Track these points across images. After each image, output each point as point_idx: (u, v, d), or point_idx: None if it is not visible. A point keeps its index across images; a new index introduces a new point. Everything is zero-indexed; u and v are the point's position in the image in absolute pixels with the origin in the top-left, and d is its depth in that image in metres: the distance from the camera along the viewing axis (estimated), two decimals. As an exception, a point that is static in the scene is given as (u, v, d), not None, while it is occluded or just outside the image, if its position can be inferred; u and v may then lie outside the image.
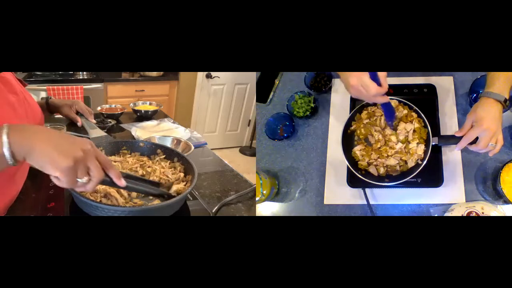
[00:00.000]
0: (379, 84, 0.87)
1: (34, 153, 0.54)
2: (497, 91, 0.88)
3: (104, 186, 0.78)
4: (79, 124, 1.02)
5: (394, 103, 1.02)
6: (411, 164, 0.97)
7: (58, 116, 1.34)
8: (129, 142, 0.98)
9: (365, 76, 0.86)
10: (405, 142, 0.98)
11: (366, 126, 1.02)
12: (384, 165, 0.98)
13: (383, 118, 1.01)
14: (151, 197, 0.83)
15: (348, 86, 0.90)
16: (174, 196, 0.77)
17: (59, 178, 0.56)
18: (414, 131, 0.98)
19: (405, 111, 1.01)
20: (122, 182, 0.64)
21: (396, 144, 0.98)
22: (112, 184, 0.64)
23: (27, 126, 0.59)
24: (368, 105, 1.04)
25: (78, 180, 0.58)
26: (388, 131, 1.00)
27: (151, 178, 0.86)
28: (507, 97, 0.88)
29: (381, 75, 0.87)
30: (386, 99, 0.92)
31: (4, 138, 0.52)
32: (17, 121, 0.76)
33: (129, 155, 0.96)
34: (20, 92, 0.82)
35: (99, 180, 0.60)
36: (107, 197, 0.78)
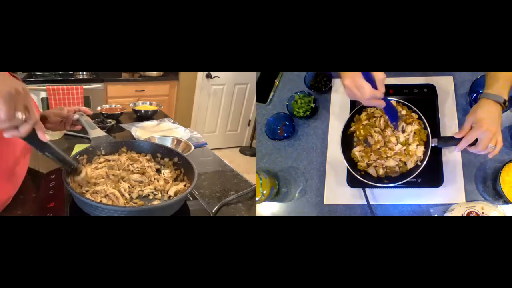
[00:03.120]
0: (374, 87, 0.85)
1: None
2: (497, 92, 0.87)
3: (104, 187, 0.79)
4: (75, 117, 1.01)
5: (392, 103, 1.02)
6: (410, 165, 0.97)
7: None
8: (129, 142, 0.98)
9: (358, 77, 0.83)
10: (405, 144, 0.97)
11: (365, 127, 1.02)
12: (383, 166, 0.98)
13: (382, 119, 1.01)
14: (150, 197, 0.83)
15: (344, 87, 0.88)
16: (76, 168, 0.78)
17: None
18: (414, 133, 0.98)
19: (404, 112, 1.00)
20: (45, 137, 0.64)
21: (395, 145, 0.98)
22: (35, 138, 0.63)
23: None
24: (367, 106, 1.03)
25: (17, 114, 0.55)
26: (388, 132, 1.00)
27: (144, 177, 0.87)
28: (507, 98, 0.88)
29: (378, 78, 0.85)
30: (382, 103, 0.89)
31: None
32: None
33: (125, 153, 0.96)
34: None
35: (35, 121, 0.59)
36: (107, 198, 0.78)
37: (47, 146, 0.68)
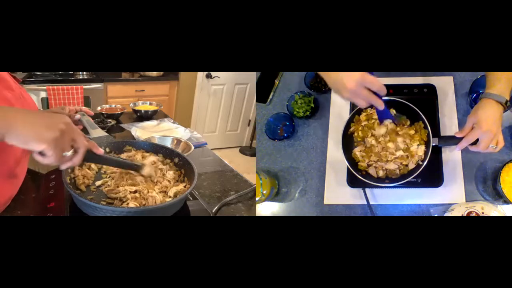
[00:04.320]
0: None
1: (15, 130, 0.53)
2: (498, 92, 0.87)
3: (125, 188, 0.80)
4: (77, 117, 1.01)
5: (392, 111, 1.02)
6: (411, 166, 0.97)
7: None
8: (130, 142, 0.98)
9: (367, 75, 0.82)
10: (406, 151, 0.97)
11: (363, 128, 1.02)
12: (384, 168, 0.98)
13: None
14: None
15: (342, 90, 0.84)
16: (141, 166, 0.82)
17: (45, 153, 0.55)
18: (415, 132, 0.98)
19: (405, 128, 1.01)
20: (100, 150, 0.67)
21: (396, 151, 0.97)
22: (92, 156, 0.66)
23: (2, 106, 0.57)
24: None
25: (65, 154, 0.57)
26: (385, 137, 0.99)
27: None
28: (508, 98, 0.88)
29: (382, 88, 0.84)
30: (381, 103, 0.88)
31: None
32: None
33: (134, 151, 0.97)
34: (16, 88, 0.82)
35: (85, 149, 0.60)
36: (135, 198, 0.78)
37: (103, 158, 0.71)
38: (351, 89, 0.83)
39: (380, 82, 0.84)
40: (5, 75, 0.81)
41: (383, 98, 1.02)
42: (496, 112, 0.87)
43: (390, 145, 0.98)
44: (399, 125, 1.00)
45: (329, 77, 0.87)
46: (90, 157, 0.66)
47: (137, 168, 0.83)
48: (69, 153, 0.58)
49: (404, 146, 0.97)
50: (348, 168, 1.01)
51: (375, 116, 1.02)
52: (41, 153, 0.55)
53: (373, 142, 0.99)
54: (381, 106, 0.89)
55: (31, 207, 0.86)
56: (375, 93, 0.86)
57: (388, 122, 0.99)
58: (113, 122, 1.62)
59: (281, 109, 1.20)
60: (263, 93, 1.24)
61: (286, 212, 1.07)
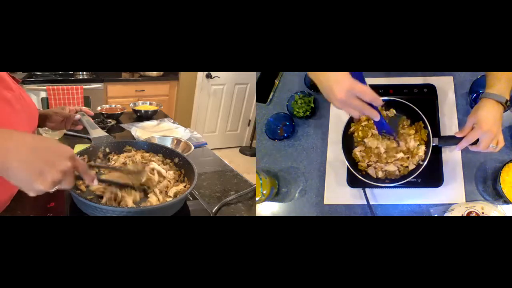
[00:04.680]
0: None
1: (9, 174, 0.52)
2: (498, 92, 0.87)
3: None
4: (77, 116, 1.01)
5: (391, 112, 1.02)
6: (411, 167, 0.97)
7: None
8: (130, 142, 0.98)
9: (357, 84, 0.77)
10: (407, 153, 0.97)
11: (364, 128, 1.02)
12: (383, 169, 0.98)
13: None
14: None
15: (333, 99, 0.81)
16: (143, 188, 0.79)
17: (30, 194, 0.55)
18: (415, 131, 0.98)
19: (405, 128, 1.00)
20: (95, 183, 0.66)
21: (397, 153, 0.98)
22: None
23: (5, 133, 0.54)
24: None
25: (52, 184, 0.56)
26: (386, 140, 0.99)
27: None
28: (508, 98, 0.88)
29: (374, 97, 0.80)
30: (377, 115, 0.84)
31: None
32: (14, 116, 0.76)
33: (134, 151, 0.96)
34: (16, 89, 0.82)
35: (70, 184, 0.59)
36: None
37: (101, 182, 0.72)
38: (341, 98, 0.79)
39: (373, 92, 0.79)
40: (4, 75, 0.81)
41: (383, 98, 1.02)
42: (496, 112, 0.87)
43: (392, 145, 0.98)
44: (400, 127, 1.00)
45: (320, 83, 0.82)
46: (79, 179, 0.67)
47: (128, 186, 0.79)
48: (53, 190, 0.57)
49: (405, 148, 0.97)
50: (348, 168, 1.01)
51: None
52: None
53: (371, 143, 0.99)
54: (376, 117, 0.85)
55: (31, 207, 0.86)
56: (370, 104, 0.81)
57: (386, 139, 0.99)
58: (113, 122, 1.62)
59: (281, 109, 1.20)
60: (263, 93, 1.24)
61: (286, 212, 1.07)
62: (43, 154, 0.54)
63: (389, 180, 0.97)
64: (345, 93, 0.78)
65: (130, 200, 0.78)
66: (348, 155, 1.00)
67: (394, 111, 1.02)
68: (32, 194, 0.55)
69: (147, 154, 0.96)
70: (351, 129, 1.04)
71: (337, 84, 0.78)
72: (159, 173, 0.87)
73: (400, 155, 0.97)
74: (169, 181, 0.87)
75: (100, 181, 0.73)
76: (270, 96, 1.24)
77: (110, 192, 0.78)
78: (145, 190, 0.81)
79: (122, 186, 0.79)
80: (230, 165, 1.27)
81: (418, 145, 0.97)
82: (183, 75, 3.13)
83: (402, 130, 1.00)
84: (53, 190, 0.57)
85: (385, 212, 1.01)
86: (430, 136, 0.95)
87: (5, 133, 0.54)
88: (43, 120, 1.01)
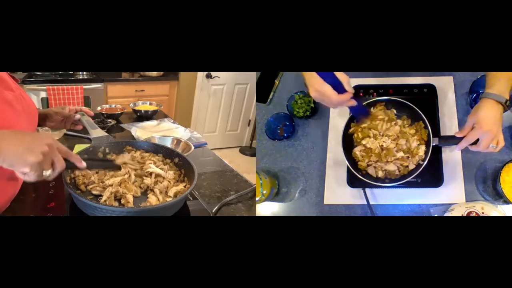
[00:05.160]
0: (342, 89, 0.86)
1: (2, 154, 0.58)
2: (498, 92, 0.87)
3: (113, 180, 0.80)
4: (77, 116, 1.02)
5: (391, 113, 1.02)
6: (411, 166, 0.97)
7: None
8: (130, 142, 0.98)
9: (323, 86, 0.85)
10: (407, 152, 0.97)
11: (363, 130, 1.02)
12: (383, 169, 0.98)
13: (383, 123, 1.01)
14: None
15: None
16: (119, 167, 0.83)
17: (27, 173, 0.60)
18: (415, 131, 0.98)
19: (399, 124, 1.00)
20: (83, 164, 0.70)
21: (397, 152, 0.97)
22: (75, 167, 0.70)
23: None
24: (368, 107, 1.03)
25: (44, 173, 0.62)
26: (384, 138, 0.99)
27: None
28: (508, 98, 0.88)
29: (343, 80, 0.85)
30: (353, 103, 0.91)
31: None
32: (15, 117, 0.76)
33: (134, 152, 0.96)
34: (16, 89, 0.82)
35: (61, 170, 0.65)
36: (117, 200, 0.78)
37: (88, 167, 0.73)
38: (315, 97, 0.88)
39: (335, 96, 0.85)
40: (5, 75, 0.81)
41: (384, 98, 1.03)
42: (496, 112, 0.87)
43: (392, 145, 0.98)
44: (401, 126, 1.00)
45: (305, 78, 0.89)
46: (72, 167, 0.70)
47: (115, 167, 0.83)
48: (49, 172, 0.62)
49: (406, 147, 0.97)
50: (348, 168, 1.01)
51: (380, 117, 1.02)
52: (23, 172, 0.60)
53: (371, 144, 0.99)
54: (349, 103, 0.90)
55: (31, 207, 0.86)
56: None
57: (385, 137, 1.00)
58: (113, 122, 1.62)
59: (281, 109, 1.20)
60: (263, 93, 1.24)
61: (286, 212, 1.07)
62: (27, 136, 0.62)
63: (389, 179, 0.97)
64: (315, 93, 0.87)
65: (130, 196, 0.78)
66: (348, 155, 1.00)
67: (395, 111, 1.02)
68: (28, 170, 0.59)
69: (147, 154, 0.96)
70: (351, 130, 1.04)
71: (309, 86, 0.88)
72: (158, 175, 0.87)
73: (400, 154, 0.97)
74: (169, 181, 0.87)
75: (89, 165, 0.74)
76: (270, 96, 1.24)
77: (109, 192, 0.78)
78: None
79: (109, 167, 0.82)
80: (230, 165, 1.27)
81: (418, 145, 0.97)
82: (183, 75, 3.13)
83: (403, 128, 1.00)
84: (49, 173, 0.62)
85: (385, 212, 1.01)
86: (430, 136, 0.95)
87: None
88: (43, 120, 1.01)
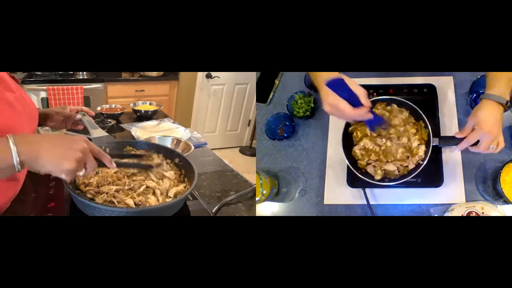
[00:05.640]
0: (357, 101, 0.85)
1: (40, 161, 0.61)
2: (499, 93, 0.87)
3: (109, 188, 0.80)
4: (78, 116, 1.02)
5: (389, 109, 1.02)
6: (411, 166, 0.97)
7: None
8: (130, 142, 0.98)
9: (337, 100, 0.83)
10: (407, 151, 0.97)
11: (361, 128, 1.02)
12: (382, 168, 0.98)
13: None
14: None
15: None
16: (151, 166, 0.84)
17: (63, 177, 0.63)
18: (416, 131, 0.98)
19: (403, 116, 1.00)
20: (114, 165, 0.72)
21: (396, 153, 0.97)
22: (106, 166, 0.72)
23: (29, 135, 0.67)
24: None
25: (77, 174, 0.65)
26: (383, 139, 0.99)
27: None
28: (508, 99, 0.87)
29: (360, 94, 0.84)
30: (369, 116, 0.89)
31: (13, 149, 0.58)
32: (16, 118, 0.76)
33: (134, 151, 0.96)
34: (16, 90, 0.82)
35: (94, 170, 0.68)
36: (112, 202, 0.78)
37: (119, 166, 0.76)
38: (328, 112, 0.87)
39: (350, 111, 0.84)
40: (5, 76, 0.81)
41: (384, 98, 1.02)
42: (496, 113, 0.87)
43: (389, 143, 0.98)
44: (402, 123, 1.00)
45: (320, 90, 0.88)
46: (103, 165, 0.72)
47: (147, 168, 0.84)
48: (82, 172, 0.66)
49: (407, 146, 0.97)
50: (348, 168, 1.01)
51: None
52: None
53: (370, 145, 0.99)
54: (365, 117, 0.89)
55: (31, 207, 0.86)
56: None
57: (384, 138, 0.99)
58: (113, 122, 1.62)
59: (281, 109, 1.20)
60: (263, 93, 1.24)
61: (286, 212, 1.07)
62: (63, 142, 0.65)
63: (388, 179, 0.97)
64: (329, 108, 0.87)
65: (130, 200, 0.78)
66: (348, 154, 1.00)
67: (396, 105, 1.02)
68: (63, 176, 0.63)
69: (157, 156, 0.96)
70: (351, 128, 1.04)
71: (323, 101, 0.87)
72: (163, 176, 0.88)
73: (400, 154, 0.97)
74: (171, 181, 0.87)
75: (119, 165, 0.76)
76: (270, 96, 1.24)
77: (102, 199, 0.77)
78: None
79: (141, 168, 0.84)
80: (230, 165, 1.27)
81: (418, 144, 0.97)
82: (183, 75, 3.13)
83: (408, 125, 1.00)
84: (82, 173, 0.66)
85: (385, 212, 1.01)
86: (430, 136, 0.95)
87: (29, 136, 0.69)
88: (44, 120, 1.01)
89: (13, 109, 0.76)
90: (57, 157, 0.62)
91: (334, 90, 0.84)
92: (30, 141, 0.62)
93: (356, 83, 0.86)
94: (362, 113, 0.87)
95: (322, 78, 0.86)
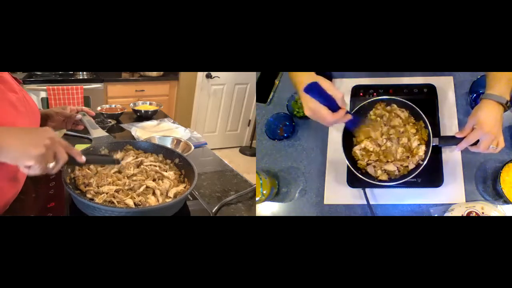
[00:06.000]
0: (336, 105, 0.84)
1: (6, 151, 0.59)
2: (499, 93, 0.87)
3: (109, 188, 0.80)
4: (78, 116, 1.02)
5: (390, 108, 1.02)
6: (411, 166, 0.97)
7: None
8: (130, 142, 0.98)
9: (317, 106, 0.83)
10: (407, 151, 0.97)
11: (364, 131, 1.02)
12: (382, 168, 0.98)
13: (382, 124, 1.01)
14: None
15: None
16: (118, 161, 0.84)
17: (32, 166, 0.61)
18: (416, 131, 0.98)
19: (403, 116, 1.00)
20: (83, 159, 0.71)
21: (396, 153, 0.97)
22: (75, 162, 0.70)
23: None
24: (368, 107, 1.03)
25: (48, 166, 0.63)
26: (387, 142, 0.99)
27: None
28: (508, 99, 0.87)
29: (337, 97, 0.84)
30: (348, 117, 0.90)
31: None
32: (19, 119, 0.76)
33: (133, 151, 0.96)
34: (19, 91, 0.82)
35: (64, 161, 0.66)
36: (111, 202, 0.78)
37: (87, 161, 0.74)
38: (309, 115, 0.86)
39: (329, 116, 0.84)
40: (8, 77, 0.81)
41: (384, 98, 1.02)
42: (496, 113, 0.87)
43: (389, 143, 0.98)
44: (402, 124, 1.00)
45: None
46: (72, 162, 0.70)
47: (114, 161, 0.84)
48: (52, 164, 0.63)
49: (407, 146, 0.97)
50: (348, 168, 1.01)
51: (385, 113, 1.01)
52: (27, 166, 0.61)
53: (370, 146, 0.99)
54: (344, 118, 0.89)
55: (31, 207, 0.86)
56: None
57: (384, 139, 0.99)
58: (113, 122, 1.62)
59: (281, 109, 1.20)
60: (263, 93, 1.24)
61: (286, 212, 1.07)
62: (29, 131, 0.64)
63: (389, 179, 0.97)
64: (309, 112, 0.86)
65: (130, 201, 0.78)
66: (348, 154, 1.00)
67: (396, 105, 1.02)
68: (31, 162, 0.60)
69: (144, 155, 0.96)
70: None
71: (304, 105, 0.86)
72: (161, 176, 0.88)
73: (400, 154, 0.97)
74: (171, 182, 0.87)
75: (88, 160, 0.74)
76: (270, 96, 1.24)
77: (102, 199, 0.77)
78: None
79: (108, 162, 0.84)
80: (230, 165, 1.27)
81: (418, 144, 0.97)
82: (183, 75, 3.13)
83: (408, 126, 1.00)
84: (52, 165, 0.63)
85: (385, 212, 1.01)
86: (430, 136, 0.95)
87: None
88: (44, 120, 1.01)
89: (15, 110, 0.76)
90: (25, 143, 0.60)
91: (312, 96, 0.83)
92: None
93: (333, 85, 0.84)
94: (340, 117, 0.86)
95: (300, 83, 0.85)
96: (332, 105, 0.84)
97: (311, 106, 0.84)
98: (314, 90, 0.83)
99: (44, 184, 0.94)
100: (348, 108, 1.11)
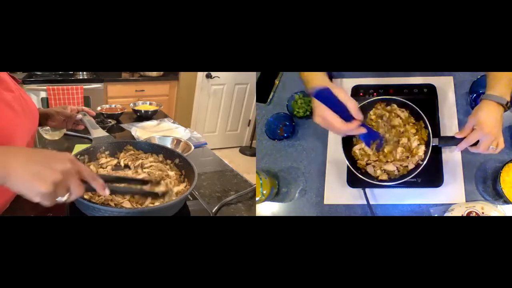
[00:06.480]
0: (349, 115, 0.81)
1: (11, 180, 0.53)
2: (499, 94, 0.87)
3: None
4: (78, 116, 1.02)
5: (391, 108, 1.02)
6: (411, 166, 0.97)
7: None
8: (130, 142, 0.98)
9: (328, 113, 0.79)
10: (407, 151, 0.97)
11: None
12: (382, 168, 0.98)
13: (382, 124, 1.01)
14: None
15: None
16: (158, 194, 0.76)
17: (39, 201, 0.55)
18: (416, 131, 0.98)
19: (403, 116, 1.00)
20: (106, 192, 0.63)
21: (396, 153, 0.97)
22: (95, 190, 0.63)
23: (3, 149, 0.57)
24: (368, 107, 1.03)
25: (58, 199, 0.57)
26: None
27: (141, 176, 0.86)
28: (509, 99, 0.87)
29: (351, 107, 0.80)
30: (362, 130, 0.86)
31: None
32: (15, 119, 0.76)
33: (132, 151, 0.96)
34: (16, 90, 0.82)
35: (79, 195, 0.59)
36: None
37: (112, 193, 0.68)
38: (319, 123, 0.83)
39: (340, 125, 0.80)
40: (5, 76, 0.80)
41: (384, 98, 1.02)
42: (497, 113, 0.87)
43: (391, 148, 0.98)
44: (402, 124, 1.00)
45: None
46: (93, 190, 0.64)
47: (152, 196, 0.77)
48: (64, 198, 0.57)
49: (407, 146, 0.97)
50: (348, 168, 1.01)
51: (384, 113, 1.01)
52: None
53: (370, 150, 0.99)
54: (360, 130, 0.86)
55: (31, 207, 0.86)
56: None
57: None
58: (113, 122, 1.62)
59: (281, 109, 1.20)
60: (263, 93, 1.24)
61: (286, 212, 1.07)
62: (39, 159, 0.55)
63: (389, 179, 0.97)
64: (320, 120, 0.83)
65: (127, 202, 0.78)
66: (347, 153, 1.00)
67: (396, 105, 1.02)
68: (38, 199, 0.54)
69: (144, 155, 0.96)
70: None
71: (315, 113, 0.83)
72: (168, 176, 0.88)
73: (400, 154, 0.97)
74: (172, 182, 0.87)
75: (113, 191, 0.68)
76: (270, 96, 1.24)
77: (100, 202, 0.76)
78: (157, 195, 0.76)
79: (145, 196, 0.76)
80: (230, 165, 1.27)
81: (418, 144, 0.97)
82: (183, 75, 3.13)
83: (407, 125, 1.00)
84: (65, 199, 0.57)
85: (385, 212, 1.01)
86: (430, 136, 0.95)
87: (2, 148, 0.58)
88: (45, 119, 1.01)
89: (11, 109, 0.76)
90: (30, 176, 0.53)
91: (322, 102, 0.79)
92: (1, 154, 0.53)
93: (347, 94, 0.81)
94: (353, 128, 0.83)
95: (311, 87, 0.81)
96: (344, 114, 0.80)
97: (322, 114, 0.80)
98: (325, 96, 0.78)
99: (44, 184, 0.94)
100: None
